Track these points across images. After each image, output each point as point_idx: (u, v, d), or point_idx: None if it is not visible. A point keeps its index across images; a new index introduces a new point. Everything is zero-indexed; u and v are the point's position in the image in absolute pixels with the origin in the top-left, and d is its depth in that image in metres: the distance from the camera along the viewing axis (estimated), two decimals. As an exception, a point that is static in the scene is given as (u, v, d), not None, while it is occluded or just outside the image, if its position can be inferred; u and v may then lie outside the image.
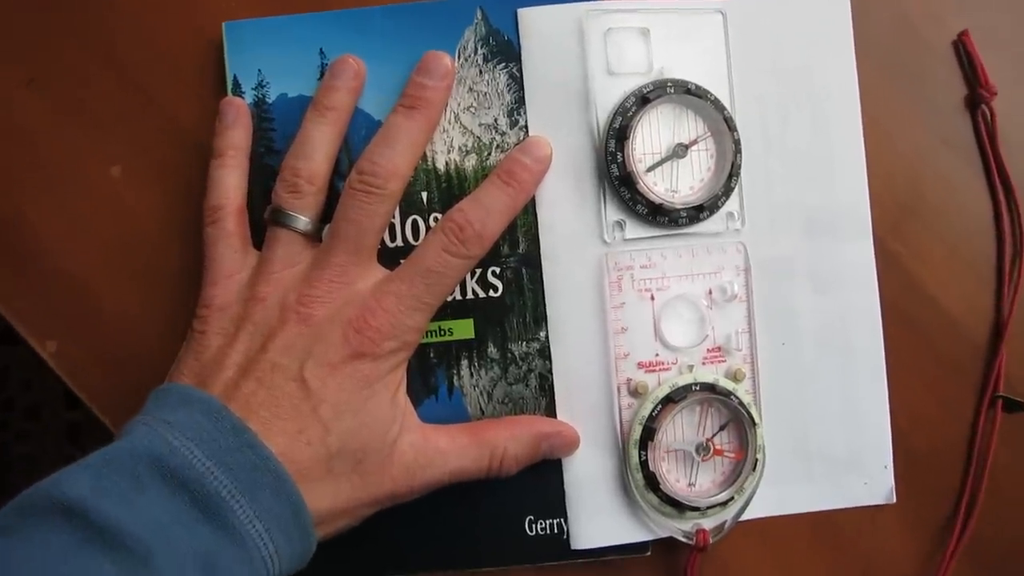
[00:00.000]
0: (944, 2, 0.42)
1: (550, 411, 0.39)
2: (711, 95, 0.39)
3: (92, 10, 0.41)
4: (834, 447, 0.40)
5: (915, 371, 0.41)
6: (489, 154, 0.39)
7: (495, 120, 0.39)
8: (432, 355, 0.39)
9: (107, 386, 0.41)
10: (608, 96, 0.39)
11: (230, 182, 0.38)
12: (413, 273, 0.36)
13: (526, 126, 0.39)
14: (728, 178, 0.39)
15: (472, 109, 0.39)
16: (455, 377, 0.39)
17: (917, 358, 0.41)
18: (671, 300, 0.39)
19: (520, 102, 0.39)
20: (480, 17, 0.39)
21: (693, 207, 0.38)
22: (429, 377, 0.39)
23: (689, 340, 0.39)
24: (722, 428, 0.39)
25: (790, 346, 0.40)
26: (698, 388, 0.38)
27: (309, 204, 0.37)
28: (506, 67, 0.39)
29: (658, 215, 0.38)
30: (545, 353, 0.39)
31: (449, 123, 0.39)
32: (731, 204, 0.39)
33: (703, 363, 0.39)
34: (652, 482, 0.38)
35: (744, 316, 0.40)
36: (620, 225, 0.39)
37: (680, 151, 0.39)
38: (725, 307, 0.40)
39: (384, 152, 0.36)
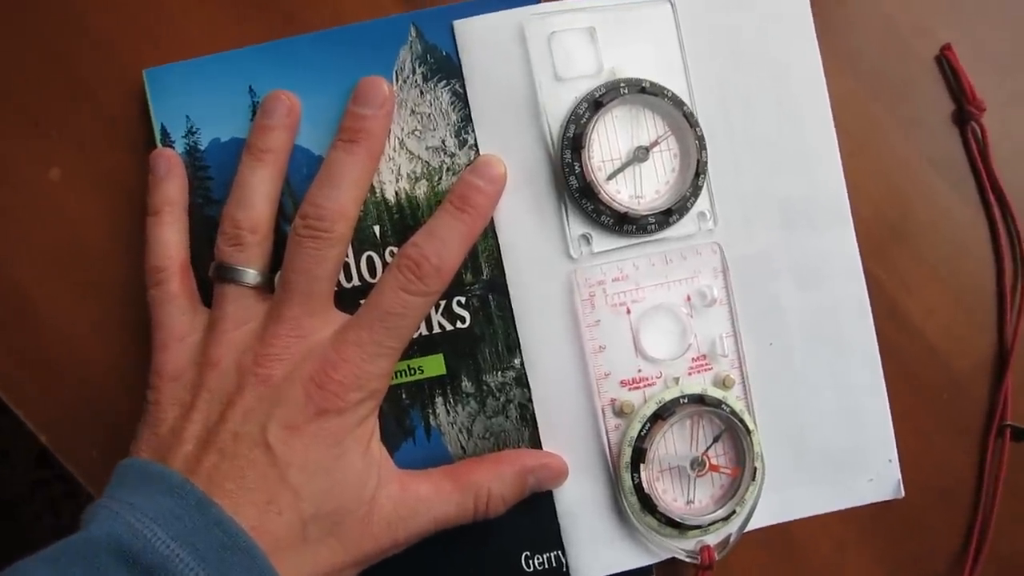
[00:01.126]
0: (933, 15, 0.40)
1: (534, 441, 0.37)
2: (668, 91, 0.36)
3: (31, 2, 0.39)
4: (835, 445, 0.38)
5: (898, 402, 0.39)
6: (440, 178, 0.37)
7: (442, 142, 0.37)
8: (404, 396, 0.37)
9: (45, 400, 0.39)
10: (559, 104, 0.36)
11: (170, 240, 0.36)
12: (372, 318, 0.33)
13: (476, 145, 0.37)
14: (695, 177, 0.37)
15: (417, 133, 0.37)
16: (431, 417, 0.37)
17: (902, 387, 0.39)
18: (648, 311, 0.37)
19: (467, 120, 0.37)
20: (414, 34, 0.36)
21: (661, 212, 0.36)
22: (404, 419, 0.37)
23: (672, 351, 0.37)
24: (716, 440, 0.37)
25: (778, 346, 0.38)
26: (686, 401, 0.36)
27: (255, 255, 0.35)
28: (448, 84, 0.36)
29: (625, 224, 0.36)
30: (522, 381, 0.37)
31: (394, 150, 0.37)
32: (701, 203, 0.37)
33: (689, 374, 0.37)
34: (648, 504, 0.36)
35: (727, 319, 0.38)
36: (586, 239, 0.37)
37: (641, 154, 0.37)
38: (706, 312, 0.38)
39: (327, 193, 0.34)
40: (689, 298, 0.37)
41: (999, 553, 0.39)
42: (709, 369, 0.38)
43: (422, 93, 0.37)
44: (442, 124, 0.37)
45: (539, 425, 0.37)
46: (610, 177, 0.36)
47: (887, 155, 0.39)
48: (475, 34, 0.36)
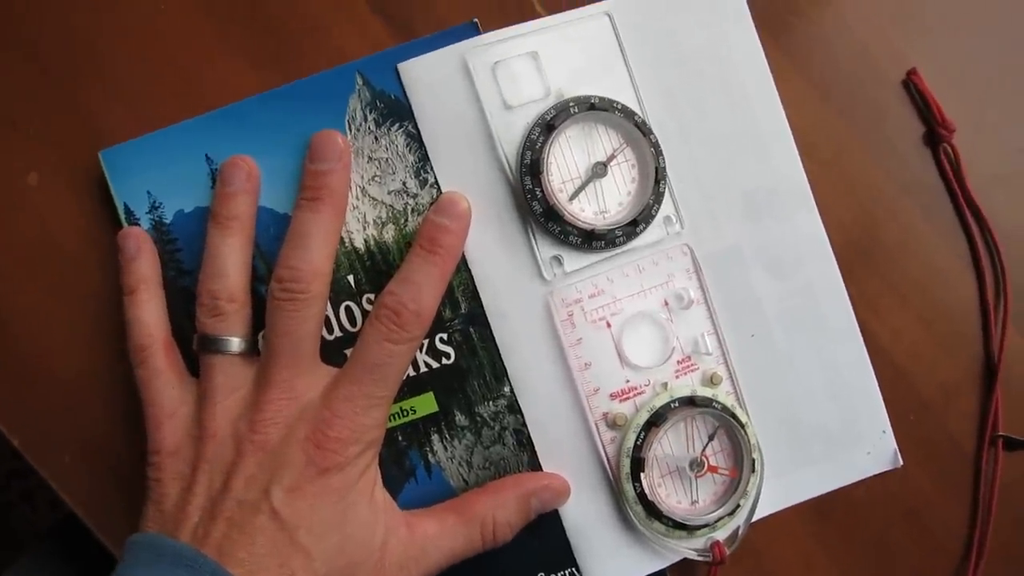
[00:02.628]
0: (903, 39, 0.40)
1: (533, 464, 0.38)
2: (617, 104, 0.37)
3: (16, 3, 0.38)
4: (828, 425, 0.39)
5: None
6: (406, 220, 0.37)
7: (403, 184, 0.37)
8: (401, 438, 0.37)
9: (17, 404, 0.39)
10: (512, 132, 0.37)
11: (149, 318, 0.36)
12: (360, 371, 0.34)
13: (436, 183, 0.37)
14: (655, 184, 0.37)
15: (377, 179, 0.37)
16: (430, 454, 0.37)
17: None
18: (628, 322, 0.38)
19: (424, 159, 0.37)
20: (361, 82, 0.37)
21: (627, 223, 0.37)
22: (403, 461, 0.37)
23: (656, 357, 0.38)
24: (711, 438, 0.38)
25: (760, 336, 0.39)
26: (677, 404, 0.37)
27: (236, 323, 0.35)
28: (401, 127, 0.37)
29: (593, 240, 0.37)
30: (514, 408, 0.37)
31: (357, 199, 0.37)
32: (666, 208, 0.38)
33: (676, 377, 0.38)
34: (653, 511, 0.37)
35: (706, 318, 0.38)
36: (558, 260, 0.37)
37: (599, 170, 0.37)
38: (685, 314, 0.38)
39: (299, 255, 0.34)
40: (666, 302, 0.38)
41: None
42: (695, 369, 0.38)
43: (377, 139, 0.37)
44: (400, 167, 0.37)
45: (536, 448, 0.37)
46: (572, 197, 0.37)
47: (858, 179, 0.40)
48: (420, 74, 0.37)
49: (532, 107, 0.37)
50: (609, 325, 0.38)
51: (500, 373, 0.37)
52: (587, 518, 0.38)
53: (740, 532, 0.38)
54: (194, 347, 0.35)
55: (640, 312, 0.38)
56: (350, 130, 0.37)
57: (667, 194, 0.38)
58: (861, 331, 0.39)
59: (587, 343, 0.37)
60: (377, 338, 0.34)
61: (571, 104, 0.36)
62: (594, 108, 0.36)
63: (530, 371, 0.37)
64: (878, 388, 0.39)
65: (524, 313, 0.37)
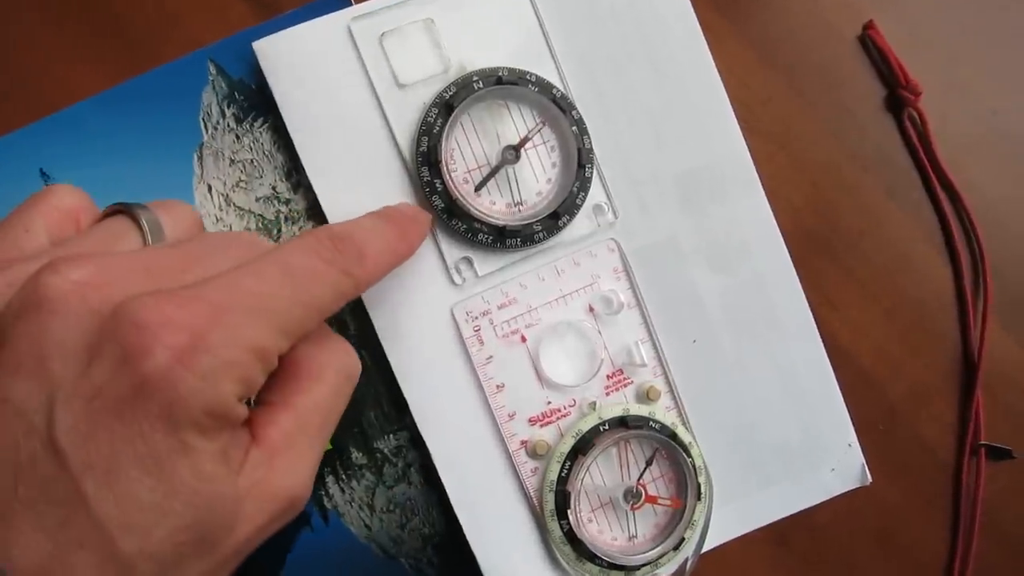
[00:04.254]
0: None
1: (444, 504, 0.32)
2: (531, 76, 0.31)
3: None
4: (786, 439, 0.34)
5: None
6: (279, 231, 0.32)
7: (273, 188, 0.31)
8: (290, 480, 0.32)
9: None
10: (405, 115, 0.31)
11: None
12: (267, 265, 0.22)
13: (311, 184, 0.31)
14: (580, 168, 0.32)
15: (242, 184, 0.31)
16: (324, 499, 0.32)
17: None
18: (546, 334, 0.32)
19: (296, 158, 0.31)
20: (214, 72, 0.31)
21: (547, 216, 0.31)
22: (295, 506, 0.32)
23: (581, 373, 0.33)
24: (649, 463, 0.33)
25: (703, 340, 0.34)
26: (607, 427, 0.32)
27: None
28: (266, 122, 0.31)
29: (506, 238, 0.31)
30: (420, 440, 0.32)
31: (220, 210, 0.31)
32: (595, 195, 0.33)
33: (607, 394, 0.33)
34: (584, 551, 0.32)
35: (639, 323, 0.33)
36: (468, 262, 0.32)
37: (510, 155, 0.31)
38: (614, 320, 0.33)
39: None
40: (591, 308, 0.33)
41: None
42: (629, 383, 0.33)
43: (238, 137, 0.31)
44: (268, 168, 0.31)
45: (446, 484, 0.32)
46: (479, 188, 0.31)
47: (810, 155, 0.35)
48: (282, 54, 0.31)
49: (429, 85, 0.31)
50: (524, 339, 0.32)
51: (400, 401, 0.32)
52: (509, 562, 0.33)
53: (688, 567, 0.33)
54: None
55: (560, 321, 0.32)
56: (206, 129, 0.31)
57: (596, 179, 0.32)
58: (819, 330, 0.34)
59: (499, 361, 0.32)
60: (305, 247, 0.23)
61: (475, 79, 0.31)
62: (503, 83, 0.31)
63: (434, 398, 0.32)
64: (841, 395, 0.34)
65: (423, 330, 0.32)
